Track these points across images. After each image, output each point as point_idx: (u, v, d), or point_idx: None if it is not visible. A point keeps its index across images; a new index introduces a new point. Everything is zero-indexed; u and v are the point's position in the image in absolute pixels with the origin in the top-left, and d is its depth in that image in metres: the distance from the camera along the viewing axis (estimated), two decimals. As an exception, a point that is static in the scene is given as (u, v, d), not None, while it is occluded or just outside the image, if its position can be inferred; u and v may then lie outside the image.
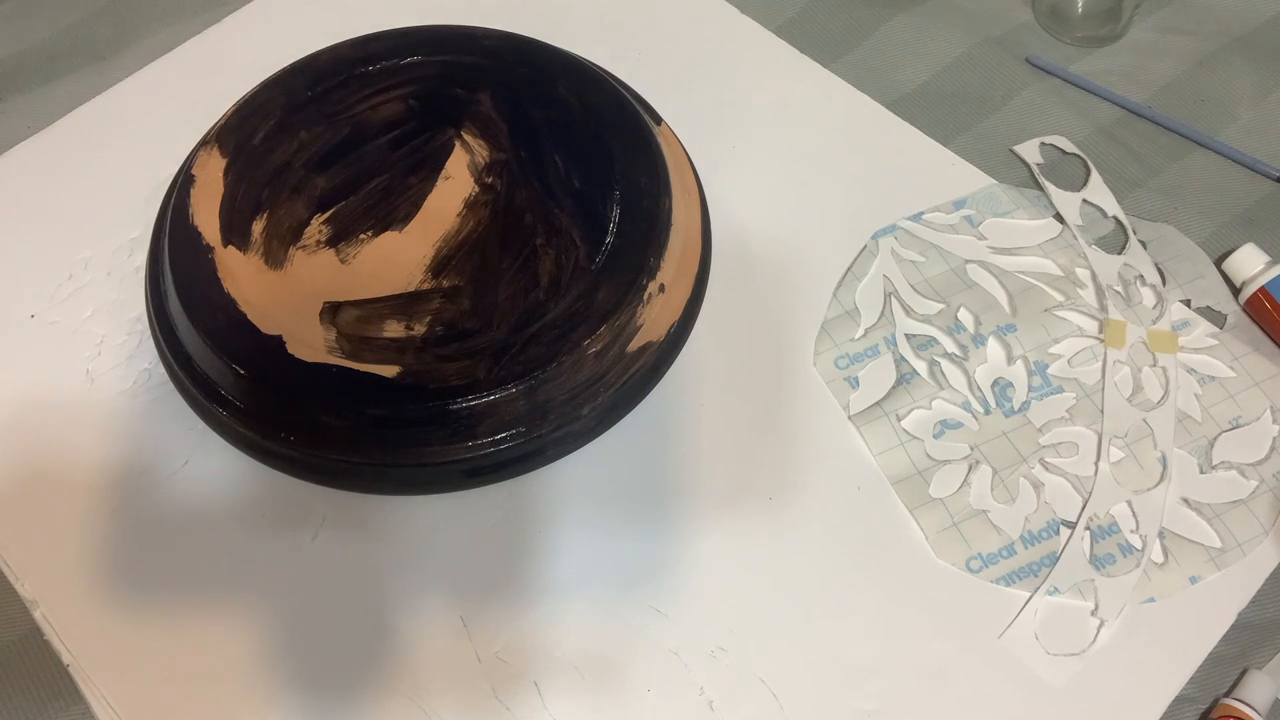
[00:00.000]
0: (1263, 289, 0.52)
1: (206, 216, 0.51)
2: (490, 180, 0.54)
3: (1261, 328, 0.52)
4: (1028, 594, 0.46)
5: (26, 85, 0.63)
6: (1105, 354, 0.52)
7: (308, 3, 0.66)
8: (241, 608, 0.46)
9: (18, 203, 0.58)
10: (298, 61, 0.57)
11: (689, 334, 0.53)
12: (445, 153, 0.54)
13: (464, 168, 0.54)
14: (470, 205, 0.53)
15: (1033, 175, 0.58)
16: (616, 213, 0.51)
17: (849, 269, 0.55)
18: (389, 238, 0.52)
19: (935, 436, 0.50)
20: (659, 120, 0.58)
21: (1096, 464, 0.49)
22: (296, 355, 0.47)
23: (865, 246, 0.55)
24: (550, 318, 0.48)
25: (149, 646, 0.46)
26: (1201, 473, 0.49)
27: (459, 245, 0.52)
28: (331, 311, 0.49)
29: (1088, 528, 0.47)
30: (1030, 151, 0.59)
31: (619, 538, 0.48)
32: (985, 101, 0.61)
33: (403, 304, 0.49)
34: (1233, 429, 0.50)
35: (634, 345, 0.50)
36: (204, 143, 0.54)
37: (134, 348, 0.53)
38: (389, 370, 0.47)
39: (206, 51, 0.64)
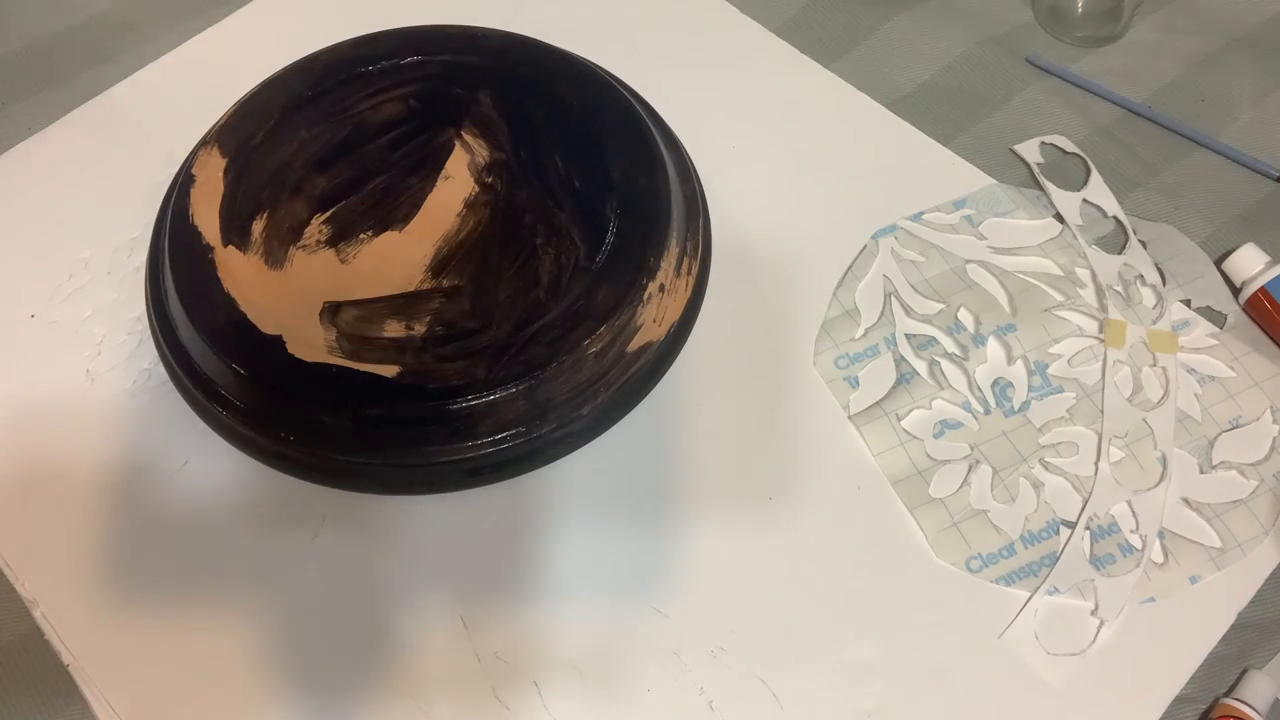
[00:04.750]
0: (1263, 289, 0.52)
1: (206, 216, 0.51)
2: (490, 180, 0.54)
3: (1261, 328, 0.52)
4: (1028, 594, 0.46)
5: (27, 85, 0.63)
6: (1105, 354, 0.52)
7: (308, 2, 0.66)
8: (241, 608, 0.46)
9: (18, 203, 0.58)
10: (298, 61, 0.57)
11: (689, 334, 0.53)
12: (445, 152, 0.54)
13: (464, 167, 0.54)
14: (470, 205, 0.53)
15: (1033, 175, 0.58)
16: (616, 213, 0.51)
17: (849, 269, 0.55)
18: (389, 237, 0.52)
19: (935, 436, 0.50)
20: (659, 120, 0.58)
21: (1096, 464, 0.49)
22: (296, 355, 0.47)
23: (865, 246, 0.55)
24: (550, 318, 0.48)
25: (149, 646, 0.46)
26: (1201, 473, 0.49)
27: (459, 245, 0.52)
28: (331, 311, 0.49)
29: (1088, 528, 0.47)
30: (1030, 151, 0.59)
31: (619, 538, 0.48)
32: (985, 101, 0.61)
33: (403, 304, 0.49)
34: (1233, 429, 0.50)
35: (634, 345, 0.50)
36: (204, 143, 0.54)
37: (134, 348, 0.53)
38: (389, 370, 0.47)
39: (206, 51, 0.64)
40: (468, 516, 0.48)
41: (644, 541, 0.48)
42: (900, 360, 0.52)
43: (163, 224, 0.54)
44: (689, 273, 0.53)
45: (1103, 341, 0.52)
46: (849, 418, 0.51)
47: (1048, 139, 0.59)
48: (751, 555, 0.47)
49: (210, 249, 0.50)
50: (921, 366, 0.52)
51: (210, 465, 0.50)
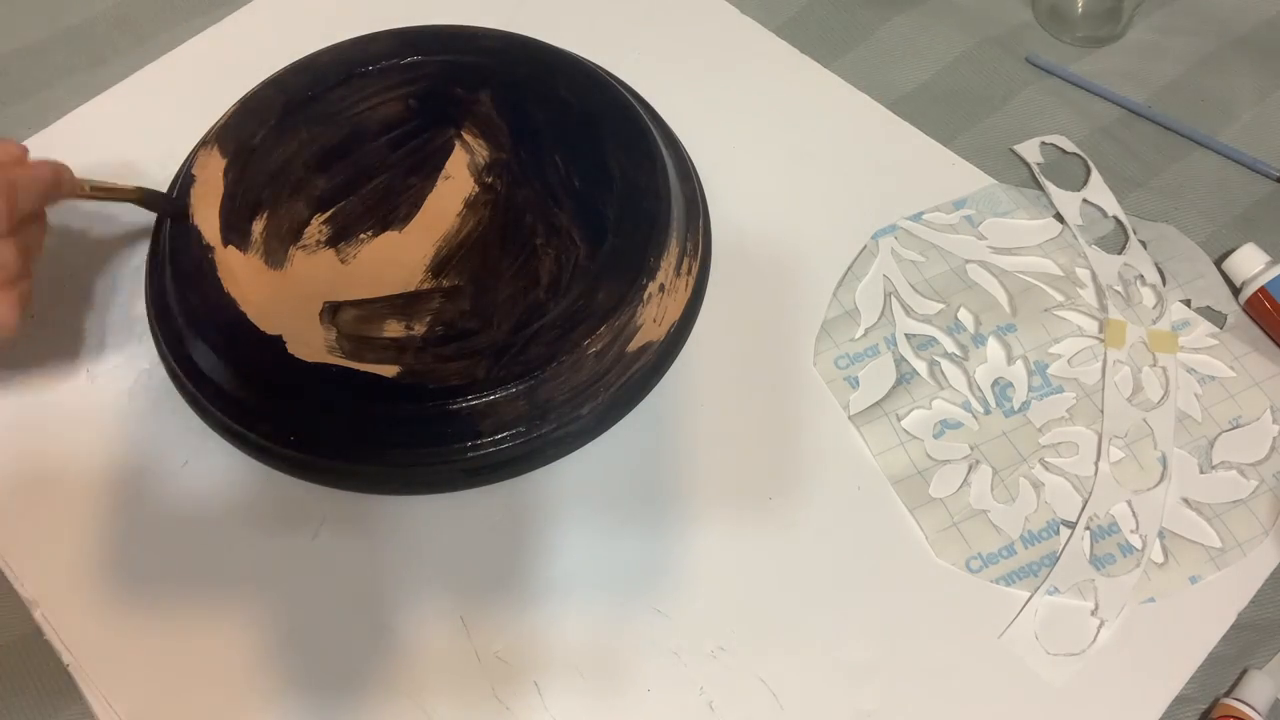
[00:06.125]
0: (1263, 289, 0.52)
1: (206, 216, 0.51)
2: (490, 180, 0.54)
3: (1261, 328, 0.52)
4: (1028, 594, 0.46)
5: (26, 86, 0.63)
6: (1105, 354, 0.52)
7: (308, 2, 0.66)
8: (241, 608, 0.46)
9: (18, 203, 0.58)
10: (298, 61, 0.57)
11: (689, 334, 0.53)
12: (445, 152, 0.54)
13: (464, 167, 0.54)
14: (470, 205, 0.53)
15: (1033, 175, 0.58)
16: (616, 213, 0.51)
17: (849, 269, 0.55)
18: (389, 237, 0.52)
19: (935, 436, 0.50)
20: (659, 120, 0.58)
21: (1096, 464, 0.49)
22: (296, 355, 0.47)
23: (865, 246, 0.55)
24: (550, 318, 0.48)
25: (149, 646, 0.46)
26: (1201, 473, 0.49)
27: (459, 245, 0.52)
28: (331, 311, 0.49)
29: (1088, 528, 0.47)
30: (1030, 151, 0.59)
31: (619, 538, 0.48)
32: (985, 101, 0.61)
33: (403, 304, 0.49)
34: (1233, 429, 0.50)
35: (634, 345, 0.50)
36: (204, 143, 0.54)
37: (134, 348, 0.53)
38: (389, 370, 0.47)
39: (206, 51, 0.64)
40: (468, 516, 0.48)
41: (644, 541, 0.48)
42: (900, 360, 0.52)
43: (163, 224, 0.54)
44: (689, 273, 0.53)
45: (1103, 341, 0.52)
46: (849, 418, 0.51)
47: (1048, 139, 0.59)
48: (752, 555, 0.47)
49: (210, 249, 0.50)
50: (921, 366, 0.52)
51: (210, 465, 0.50)
